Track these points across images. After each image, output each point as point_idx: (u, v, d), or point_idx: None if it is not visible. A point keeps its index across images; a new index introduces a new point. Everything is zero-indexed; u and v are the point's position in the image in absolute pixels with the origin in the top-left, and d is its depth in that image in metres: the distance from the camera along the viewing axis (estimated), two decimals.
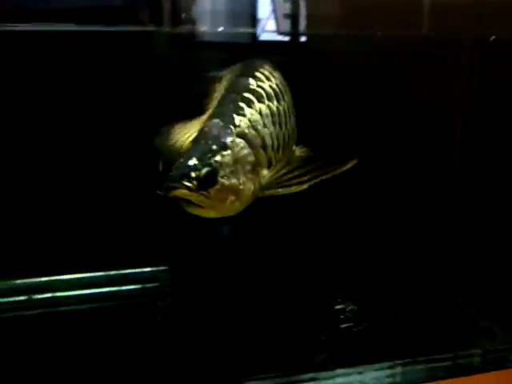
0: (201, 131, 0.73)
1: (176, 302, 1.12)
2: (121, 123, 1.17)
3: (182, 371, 0.87)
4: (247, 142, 0.73)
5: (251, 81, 0.80)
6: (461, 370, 0.90)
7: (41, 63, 1.12)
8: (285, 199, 0.76)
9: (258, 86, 0.79)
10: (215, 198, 0.68)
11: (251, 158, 0.72)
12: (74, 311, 1.08)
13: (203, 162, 0.67)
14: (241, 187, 0.70)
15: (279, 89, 0.83)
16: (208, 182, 0.67)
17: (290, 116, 0.84)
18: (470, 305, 1.06)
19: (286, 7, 1.35)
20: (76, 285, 1.12)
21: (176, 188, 0.66)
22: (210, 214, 0.70)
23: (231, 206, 0.71)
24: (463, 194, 1.14)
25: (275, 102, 0.80)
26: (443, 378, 0.87)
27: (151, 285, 1.15)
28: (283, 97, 0.83)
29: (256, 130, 0.75)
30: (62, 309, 1.08)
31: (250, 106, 0.76)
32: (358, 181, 1.04)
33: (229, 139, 0.71)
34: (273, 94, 0.80)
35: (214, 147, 0.69)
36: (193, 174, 0.66)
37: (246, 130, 0.73)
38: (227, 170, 0.69)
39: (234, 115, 0.74)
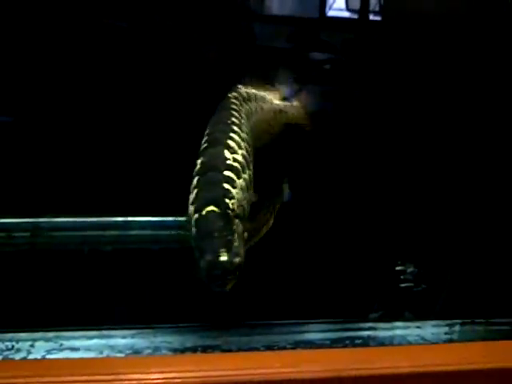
0: (199, 222, 0.76)
1: None
2: None
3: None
4: (239, 218, 0.77)
5: (226, 153, 0.82)
6: None
7: None
8: None
9: (234, 160, 0.82)
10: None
11: (240, 230, 0.77)
12: None
13: (231, 253, 0.72)
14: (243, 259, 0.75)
15: (248, 152, 0.85)
16: (239, 267, 0.72)
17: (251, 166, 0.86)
18: None
19: None
20: None
21: (226, 284, 0.72)
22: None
23: None
24: None
25: (247, 171, 0.83)
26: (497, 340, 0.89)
27: None
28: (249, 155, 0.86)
29: (242, 205, 0.79)
30: None
31: (234, 187, 0.79)
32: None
33: (233, 225, 0.75)
34: (245, 164, 0.83)
35: (229, 238, 0.74)
36: (231, 268, 0.71)
37: (238, 210, 0.77)
38: (241, 250, 0.74)
39: (227, 200, 0.77)
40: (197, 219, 0.75)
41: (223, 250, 0.72)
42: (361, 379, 0.78)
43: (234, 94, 0.96)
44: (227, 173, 0.79)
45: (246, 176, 0.82)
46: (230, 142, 0.84)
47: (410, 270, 1.08)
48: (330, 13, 1.37)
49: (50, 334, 0.82)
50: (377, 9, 1.37)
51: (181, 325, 0.84)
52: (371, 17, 1.39)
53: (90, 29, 1.24)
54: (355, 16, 1.39)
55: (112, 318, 0.92)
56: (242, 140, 0.86)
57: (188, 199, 0.78)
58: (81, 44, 1.23)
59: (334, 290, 1.02)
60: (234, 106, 0.92)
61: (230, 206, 0.76)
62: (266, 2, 1.33)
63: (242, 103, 0.94)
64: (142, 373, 0.74)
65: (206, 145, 0.84)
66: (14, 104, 1.25)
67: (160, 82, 1.26)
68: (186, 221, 0.77)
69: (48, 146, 1.24)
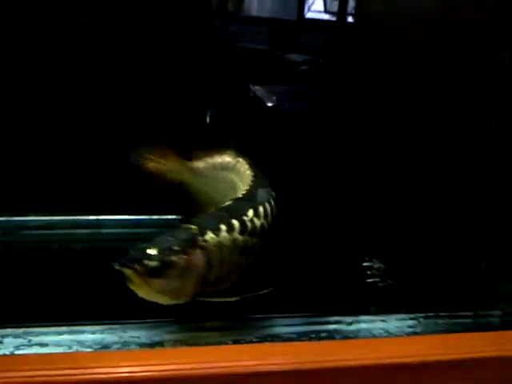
0: (178, 227, 0.83)
1: None
2: None
3: None
4: (206, 256, 0.80)
5: (250, 212, 0.87)
6: (479, 327, 0.94)
7: None
8: None
9: (250, 220, 0.87)
10: (152, 287, 0.77)
11: (204, 269, 0.80)
12: None
13: (159, 256, 0.76)
14: (181, 290, 0.79)
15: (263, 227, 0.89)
16: (154, 273, 0.76)
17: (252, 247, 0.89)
18: (492, 269, 1.11)
19: None
20: None
21: (126, 267, 0.75)
22: (142, 296, 0.79)
23: (163, 299, 0.80)
24: None
25: (254, 239, 0.87)
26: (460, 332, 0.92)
27: None
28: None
29: (220, 250, 0.82)
30: None
31: (228, 232, 0.83)
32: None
33: (191, 248, 0.79)
34: (256, 232, 0.87)
35: (176, 248, 0.78)
36: (145, 262, 0.75)
37: (211, 248, 0.81)
38: (176, 271, 0.77)
39: (209, 231, 0.81)
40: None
41: (158, 247, 0.77)
42: (326, 371, 0.80)
43: None
44: (234, 221, 0.84)
45: (250, 242, 0.85)
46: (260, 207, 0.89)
47: (376, 265, 1.11)
48: (308, 15, 1.40)
49: (19, 331, 0.83)
50: (354, 11, 1.39)
51: (149, 320, 0.86)
52: (349, 19, 1.42)
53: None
54: (333, 18, 1.42)
55: (81, 314, 0.93)
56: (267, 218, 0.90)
57: None
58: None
59: (303, 284, 1.04)
60: None
61: (207, 237, 0.80)
62: (245, 3, 1.34)
63: None
64: (109, 367, 0.76)
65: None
66: None
67: (139, 82, 1.28)
68: None
69: (19, 146, 1.25)
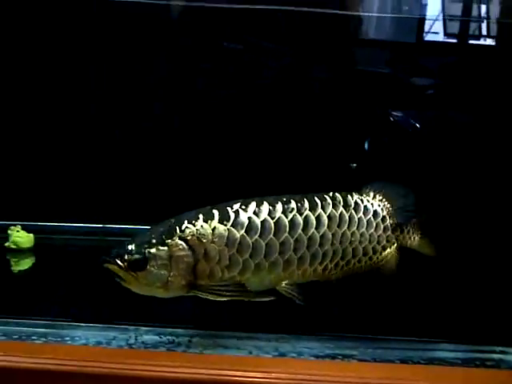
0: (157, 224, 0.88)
1: None
2: None
3: None
4: (188, 246, 0.85)
5: (239, 205, 0.88)
6: None
7: None
8: None
9: (236, 212, 0.87)
10: (141, 281, 0.83)
11: (188, 260, 0.84)
12: None
13: (139, 249, 0.83)
14: (170, 279, 0.84)
15: (276, 227, 0.88)
16: (137, 266, 0.83)
17: (275, 249, 0.88)
18: None
19: (455, 9, 1.38)
20: None
21: (109, 262, 0.82)
22: (138, 291, 0.86)
23: (157, 291, 0.85)
24: None
25: (254, 235, 0.87)
26: None
27: None
28: (276, 233, 0.88)
29: (200, 241, 0.85)
30: None
31: (205, 221, 0.86)
32: None
33: (169, 240, 0.84)
34: (252, 227, 0.87)
35: (154, 241, 0.84)
36: (126, 256, 0.82)
37: (189, 237, 0.85)
38: (159, 262, 0.83)
39: (186, 221, 0.86)
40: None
41: (136, 242, 0.84)
42: None
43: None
44: (215, 211, 0.87)
45: (237, 234, 0.86)
46: (263, 204, 0.89)
47: None
48: (427, 37, 1.39)
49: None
50: (476, 33, 1.37)
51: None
52: (470, 41, 1.40)
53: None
54: (453, 40, 1.40)
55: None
56: (271, 215, 0.89)
57: None
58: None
59: (467, 310, 1.05)
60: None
61: (183, 227, 0.85)
62: (363, 26, 1.36)
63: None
64: (288, 373, 0.83)
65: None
66: None
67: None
68: None
69: None
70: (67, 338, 0.91)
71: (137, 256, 0.83)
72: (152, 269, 0.83)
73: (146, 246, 0.84)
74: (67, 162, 1.35)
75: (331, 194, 0.94)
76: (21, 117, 1.34)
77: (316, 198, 0.92)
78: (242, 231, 0.87)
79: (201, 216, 0.87)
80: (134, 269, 0.83)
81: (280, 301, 0.88)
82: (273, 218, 0.88)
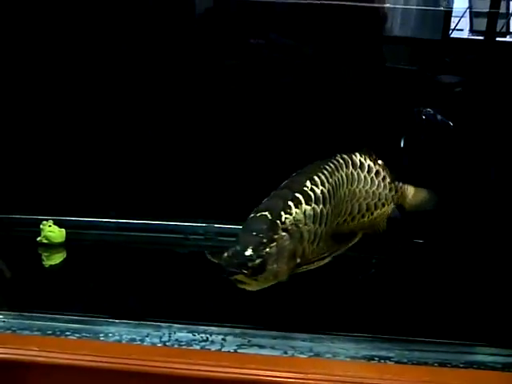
0: (250, 220, 0.88)
1: None
2: None
3: None
4: (289, 235, 0.86)
5: (307, 183, 0.92)
6: None
7: None
8: None
9: (311, 189, 0.91)
10: (261, 281, 0.84)
11: (290, 247, 0.86)
12: None
13: (257, 253, 0.83)
14: (280, 272, 0.86)
15: (330, 193, 0.94)
16: (259, 270, 0.83)
17: (330, 215, 0.94)
18: None
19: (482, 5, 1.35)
20: None
21: (237, 274, 0.82)
22: (253, 289, 0.86)
23: (268, 284, 0.86)
24: None
25: (320, 206, 0.92)
26: None
27: None
28: (330, 200, 0.94)
29: (297, 226, 0.88)
30: None
31: (297, 207, 0.88)
32: None
33: (276, 235, 0.85)
34: (321, 199, 0.92)
35: (265, 240, 0.84)
36: (249, 264, 0.82)
37: (290, 227, 0.87)
38: (272, 259, 0.84)
39: (282, 212, 0.87)
40: (248, 219, 0.88)
41: (250, 246, 0.83)
42: None
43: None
44: (297, 194, 0.90)
45: (318, 208, 0.91)
46: (315, 177, 0.94)
47: None
48: (454, 34, 1.37)
49: (237, 331, 0.92)
50: (504, 30, 1.35)
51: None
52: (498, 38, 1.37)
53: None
54: (480, 37, 1.38)
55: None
56: (324, 185, 0.94)
57: None
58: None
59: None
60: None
61: (283, 218, 0.87)
62: (387, 23, 1.35)
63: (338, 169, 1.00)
64: (325, 374, 0.81)
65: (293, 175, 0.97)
66: None
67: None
68: None
69: None
70: (101, 335, 0.91)
71: (258, 261, 0.83)
72: (269, 267, 0.85)
73: (261, 247, 0.84)
74: (101, 156, 1.34)
75: (339, 155, 1.01)
76: (54, 110, 1.34)
77: (336, 161, 0.99)
78: (321, 205, 0.92)
79: (291, 203, 0.89)
80: (257, 273, 0.84)
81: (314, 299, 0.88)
82: (330, 184, 0.95)
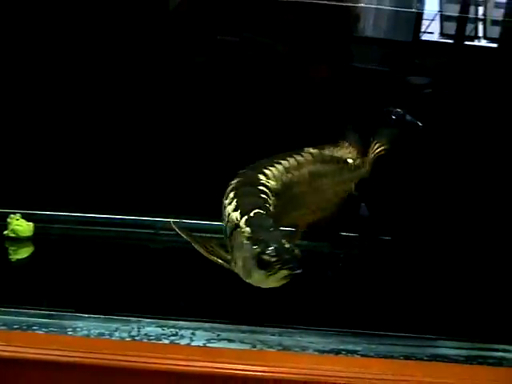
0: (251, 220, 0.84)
1: None
2: None
3: None
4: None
5: (262, 177, 0.92)
6: None
7: None
8: None
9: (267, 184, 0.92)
10: None
11: None
12: None
13: (292, 245, 0.80)
14: None
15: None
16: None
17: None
18: None
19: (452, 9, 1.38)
20: None
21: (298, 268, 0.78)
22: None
23: None
24: None
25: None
26: None
27: None
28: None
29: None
30: None
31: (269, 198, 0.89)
32: None
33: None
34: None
35: (283, 234, 0.82)
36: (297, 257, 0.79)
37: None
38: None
39: (267, 205, 0.87)
40: (247, 219, 0.83)
41: (285, 240, 0.81)
42: None
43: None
44: (261, 187, 0.90)
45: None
46: (267, 171, 0.94)
47: None
48: (424, 37, 1.39)
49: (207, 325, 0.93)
50: (473, 34, 1.38)
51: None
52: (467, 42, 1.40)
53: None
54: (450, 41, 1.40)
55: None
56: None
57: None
58: None
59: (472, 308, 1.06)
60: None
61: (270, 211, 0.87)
62: (359, 24, 1.36)
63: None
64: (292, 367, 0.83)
65: (243, 171, 0.96)
66: None
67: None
68: (225, 225, 0.87)
69: None
70: (69, 329, 0.90)
71: (298, 252, 0.81)
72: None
73: (287, 240, 0.82)
74: (69, 150, 1.33)
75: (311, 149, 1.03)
76: (21, 104, 1.32)
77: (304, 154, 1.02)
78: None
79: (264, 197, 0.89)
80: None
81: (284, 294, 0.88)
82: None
